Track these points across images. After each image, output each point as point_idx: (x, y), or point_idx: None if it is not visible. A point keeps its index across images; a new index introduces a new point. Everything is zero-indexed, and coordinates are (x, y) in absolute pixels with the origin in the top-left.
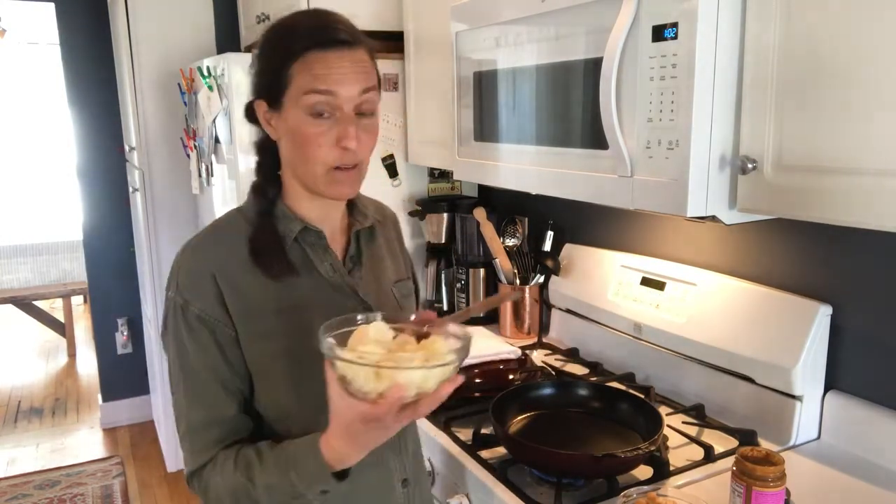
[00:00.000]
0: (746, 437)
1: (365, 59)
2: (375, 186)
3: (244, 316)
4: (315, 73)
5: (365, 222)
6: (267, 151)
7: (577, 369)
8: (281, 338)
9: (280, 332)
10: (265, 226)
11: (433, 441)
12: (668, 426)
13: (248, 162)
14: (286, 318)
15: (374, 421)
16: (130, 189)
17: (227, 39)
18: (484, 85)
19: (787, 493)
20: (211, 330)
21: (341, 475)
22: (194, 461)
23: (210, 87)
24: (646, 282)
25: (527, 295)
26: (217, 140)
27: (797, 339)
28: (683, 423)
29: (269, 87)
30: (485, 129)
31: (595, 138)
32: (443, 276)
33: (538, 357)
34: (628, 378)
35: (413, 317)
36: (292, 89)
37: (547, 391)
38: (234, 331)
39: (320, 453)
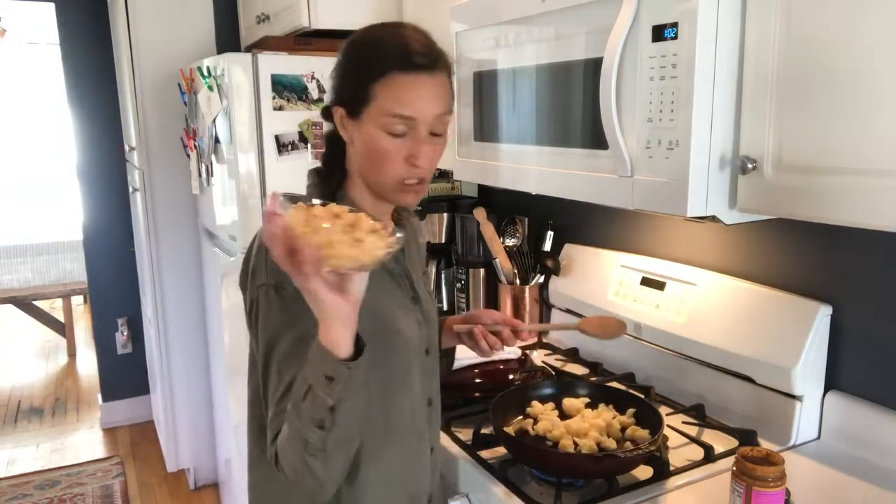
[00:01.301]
0: (746, 437)
1: (444, 83)
2: None
3: None
4: (397, 96)
5: (409, 217)
6: (335, 143)
7: (577, 369)
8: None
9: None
10: None
11: None
12: (668, 426)
13: (247, 162)
14: None
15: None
16: (130, 189)
17: (227, 39)
18: (484, 85)
19: (788, 493)
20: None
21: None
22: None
23: (210, 87)
24: (646, 282)
25: (526, 294)
26: (217, 140)
27: (797, 339)
28: (683, 423)
29: (350, 98)
30: (485, 129)
31: (595, 138)
32: (443, 276)
33: (538, 357)
34: (628, 378)
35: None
36: (373, 107)
37: (547, 391)
38: None
39: (321, 345)
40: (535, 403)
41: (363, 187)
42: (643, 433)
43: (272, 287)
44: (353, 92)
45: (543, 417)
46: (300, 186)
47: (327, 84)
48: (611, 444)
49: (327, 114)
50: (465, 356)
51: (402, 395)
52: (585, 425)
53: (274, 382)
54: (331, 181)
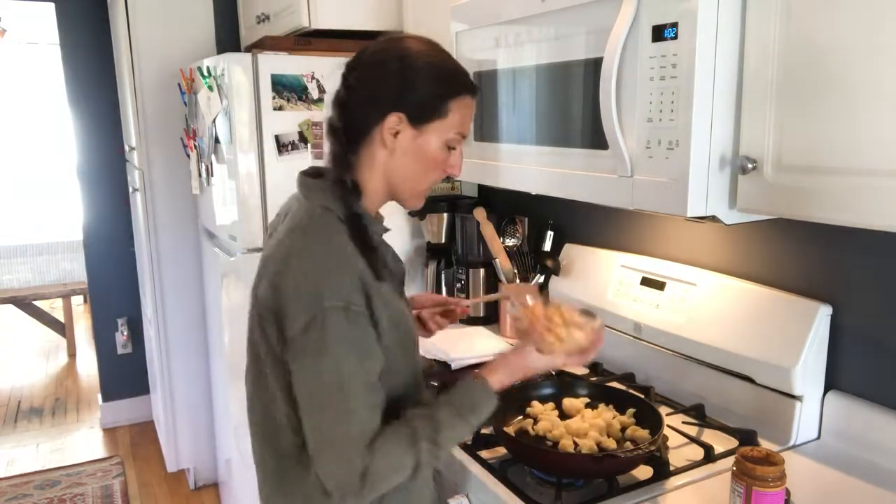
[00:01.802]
0: (746, 437)
1: None
2: None
3: (379, 312)
4: (464, 117)
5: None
6: (341, 140)
7: (577, 369)
8: (393, 329)
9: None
10: (363, 228)
11: None
12: (669, 426)
13: (247, 162)
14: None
15: (549, 362)
16: (130, 189)
17: (227, 39)
18: (484, 85)
19: (787, 493)
20: (368, 324)
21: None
22: (355, 458)
23: (210, 88)
24: (646, 282)
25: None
26: (217, 140)
27: (797, 339)
28: (683, 423)
29: (418, 109)
30: (485, 129)
31: (595, 138)
32: (442, 276)
33: None
34: (628, 378)
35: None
36: (444, 122)
37: (547, 391)
38: (377, 327)
39: (489, 387)
40: (535, 403)
41: (378, 192)
42: (643, 433)
43: (340, 309)
44: (426, 103)
45: (543, 417)
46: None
47: (329, 84)
48: (611, 444)
49: (372, 116)
50: (464, 356)
51: (417, 391)
52: (585, 425)
53: (332, 402)
54: (356, 192)
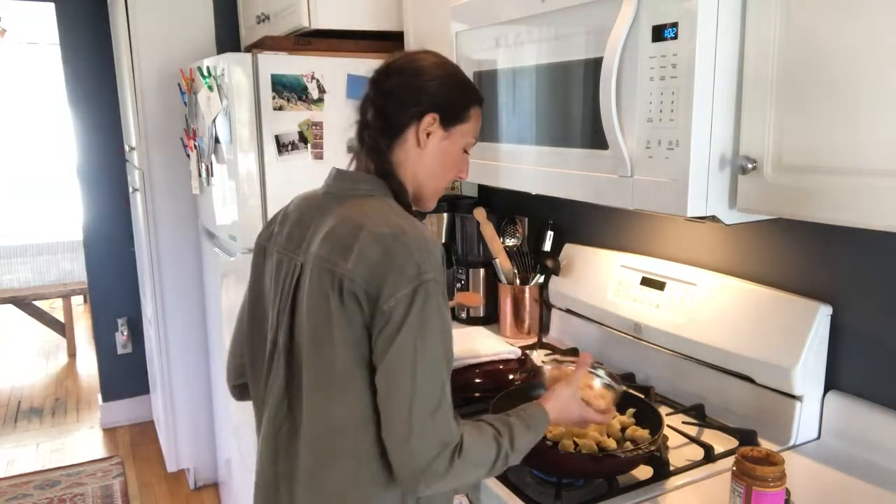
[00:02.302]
0: (746, 437)
1: None
2: None
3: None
4: (478, 124)
5: None
6: (377, 139)
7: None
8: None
9: None
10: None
11: None
12: (668, 426)
13: (247, 162)
14: None
15: (584, 413)
16: (130, 189)
17: (227, 39)
18: (484, 85)
19: (787, 493)
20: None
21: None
22: (453, 431)
23: (210, 87)
24: (646, 282)
25: (527, 294)
26: (217, 140)
27: (797, 340)
28: (683, 423)
29: (452, 113)
30: (485, 129)
31: (595, 138)
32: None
33: (538, 357)
34: (628, 378)
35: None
36: (465, 126)
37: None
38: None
39: (548, 416)
40: None
41: (408, 188)
42: (643, 433)
43: (437, 282)
44: (455, 108)
45: None
46: (300, 186)
47: (329, 84)
48: (611, 444)
49: (410, 116)
50: (464, 356)
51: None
52: None
53: (433, 374)
54: (402, 190)
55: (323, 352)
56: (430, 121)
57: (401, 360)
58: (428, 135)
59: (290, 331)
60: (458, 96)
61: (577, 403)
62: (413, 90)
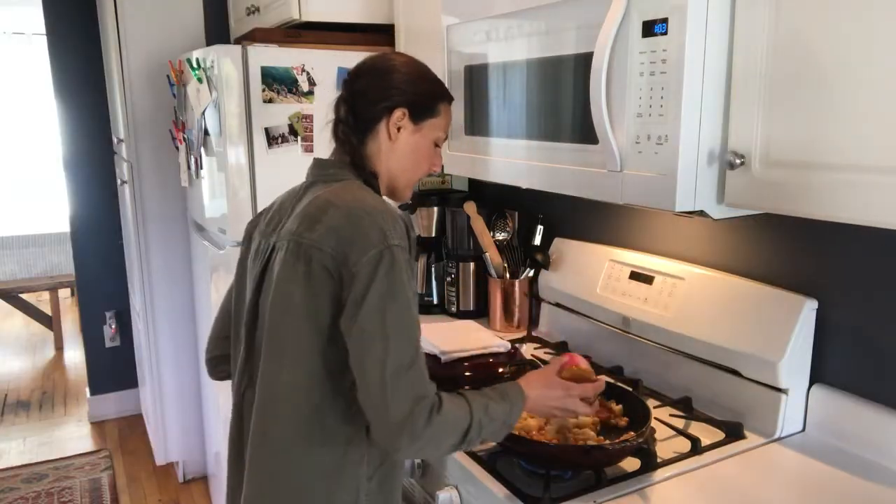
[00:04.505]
0: (732, 430)
1: None
2: None
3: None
4: (447, 119)
5: None
6: (352, 133)
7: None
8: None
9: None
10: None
11: None
12: (656, 419)
13: (237, 155)
14: None
15: (568, 388)
16: (118, 181)
17: (217, 31)
18: (475, 79)
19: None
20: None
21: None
22: (428, 387)
23: (199, 80)
24: (634, 276)
25: (516, 288)
26: (206, 132)
27: (783, 333)
28: (671, 415)
29: (421, 108)
30: (475, 123)
31: (585, 133)
32: (433, 269)
33: (527, 350)
34: (616, 371)
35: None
36: (435, 121)
37: None
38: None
39: (526, 396)
40: None
41: (382, 180)
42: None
43: (402, 248)
44: (424, 103)
45: None
46: (290, 179)
47: (319, 76)
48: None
49: (380, 111)
50: (454, 350)
51: None
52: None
53: (404, 332)
54: (376, 179)
55: (283, 321)
56: (399, 115)
57: (371, 321)
58: (399, 129)
59: (256, 305)
60: (426, 92)
61: (557, 380)
62: (383, 87)
